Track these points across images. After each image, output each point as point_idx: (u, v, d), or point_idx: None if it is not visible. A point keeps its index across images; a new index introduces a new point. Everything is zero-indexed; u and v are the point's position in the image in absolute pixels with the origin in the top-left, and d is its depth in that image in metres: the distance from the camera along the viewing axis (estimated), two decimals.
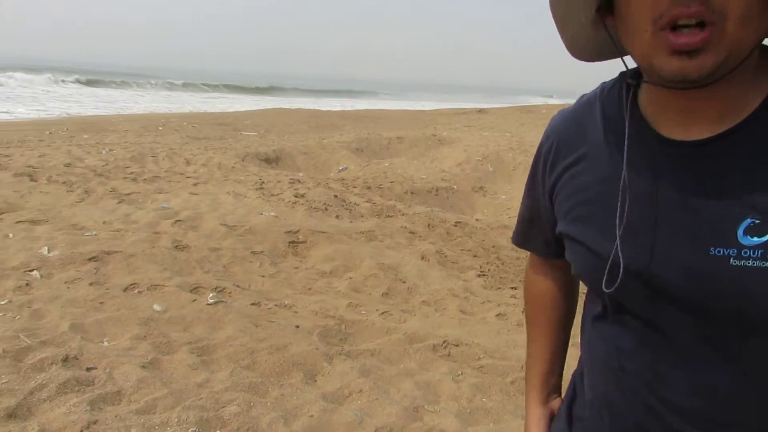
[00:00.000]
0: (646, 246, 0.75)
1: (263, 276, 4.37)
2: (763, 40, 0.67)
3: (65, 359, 2.64)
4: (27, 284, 3.47)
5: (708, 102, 0.71)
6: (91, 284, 3.60)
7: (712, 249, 0.70)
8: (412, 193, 7.63)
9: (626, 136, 0.77)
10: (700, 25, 0.62)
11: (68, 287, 3.52)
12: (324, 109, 23.86)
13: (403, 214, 6.38)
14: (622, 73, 0.83)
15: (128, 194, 5.83)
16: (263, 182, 6.85)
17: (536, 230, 1.01)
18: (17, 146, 8.81)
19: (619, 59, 0.82)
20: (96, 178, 6.40)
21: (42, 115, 17.45)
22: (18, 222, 4.62)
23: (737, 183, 0.70)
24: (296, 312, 3.76)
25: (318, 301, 4.00)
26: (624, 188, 0.77)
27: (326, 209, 6.07)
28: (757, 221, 0.68)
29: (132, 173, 6.95)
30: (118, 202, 5.48)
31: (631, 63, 0.77)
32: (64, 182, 6.03)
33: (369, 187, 7.55)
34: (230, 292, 3.84)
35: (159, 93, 35.11)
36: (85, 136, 11.14)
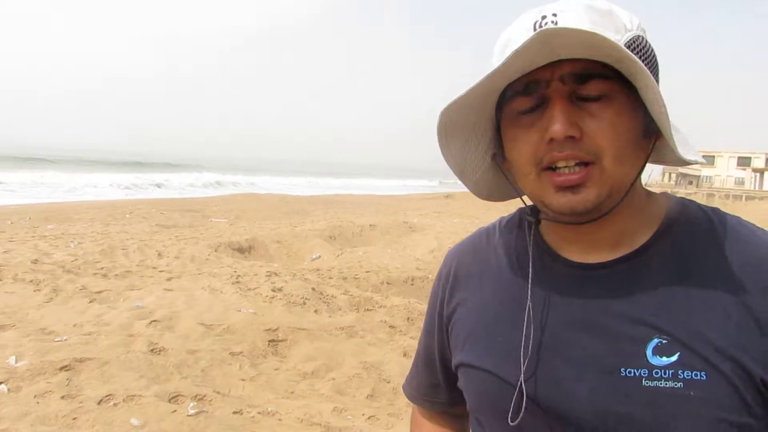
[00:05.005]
0: (553, 372, 0.73)
1: (243, 379, 4.21)
2: (641, 174, 0.73)
3: None
4: None
5: (601, 233, 0.75)
6: (62, 397, 3.39)
7: (622, 370, 0.68)
8: (388, 283, 7.61)
9: (530, 264, 0.80)
10: (581, 164, 0.68)
11: (38, 402, 3.31)
12: (293, 194, 24.06)
13: (381, 306, 6.32)
14: (520, 209, 0.88)
15: (99, 292, 5.63)
16: (239, 275, 6.75)
17: (429, 378, 0.99)
18: None
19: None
20: (65, 275, 6.18)
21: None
22: None
23: (641, 304, 0.71)
24: (280, 419, 3.61)
25: (302, 406, 3.86)
26: (529, 314, 0.76)
27: (304, 303, 5.98)
28: (665, 341, 0.68)
29: (102, 268, 6.76)
30: (90, 302, 5.28)
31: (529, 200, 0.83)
32: (31, 280, 5.81)
33: (345, 278, 7.51)
34: (210, 400, 3.68)
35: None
36: (49, 226, 10.89)
